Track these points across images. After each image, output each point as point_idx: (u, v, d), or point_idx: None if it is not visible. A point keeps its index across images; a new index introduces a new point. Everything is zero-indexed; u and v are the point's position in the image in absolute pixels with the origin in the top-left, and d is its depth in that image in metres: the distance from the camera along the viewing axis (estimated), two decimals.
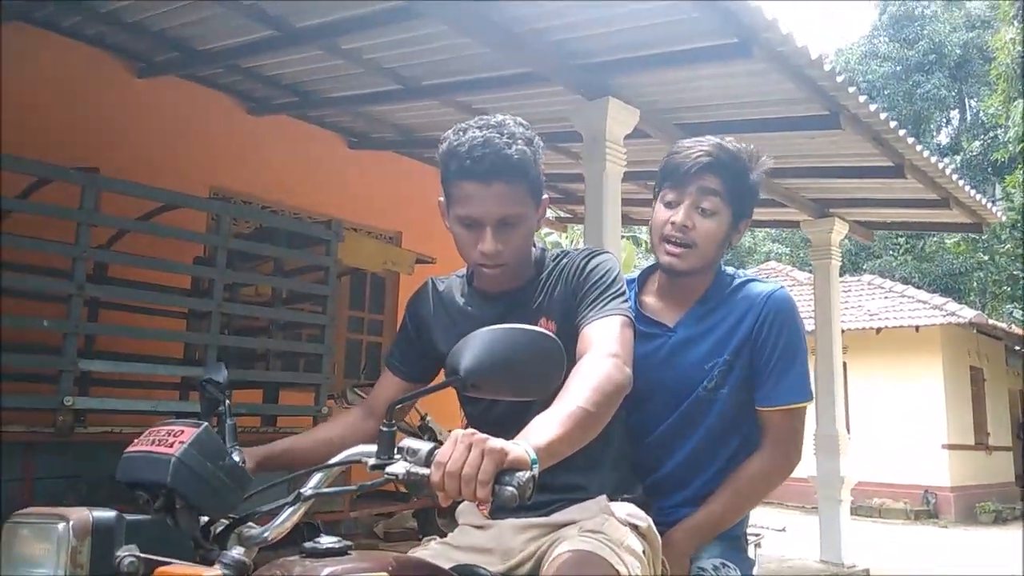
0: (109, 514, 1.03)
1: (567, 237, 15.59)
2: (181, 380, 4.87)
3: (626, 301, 1.55)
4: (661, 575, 1.57)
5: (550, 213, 10.46)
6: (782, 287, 1.84)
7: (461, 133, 1.48)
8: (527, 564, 1.48)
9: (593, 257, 1.59)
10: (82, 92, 5.34)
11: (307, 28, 4.65)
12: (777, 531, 9.16)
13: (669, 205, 1.79)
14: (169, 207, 4.61)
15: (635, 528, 1.52)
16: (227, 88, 6.02)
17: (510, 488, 1.07)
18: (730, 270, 1.89)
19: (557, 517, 1.51)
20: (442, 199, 1.56)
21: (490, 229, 1.49)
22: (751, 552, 1.91)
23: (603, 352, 1.39)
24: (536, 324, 1.40)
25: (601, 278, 1.54)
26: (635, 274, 2.00)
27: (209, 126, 6.02)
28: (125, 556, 1.02)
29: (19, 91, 4.72)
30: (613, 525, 1.45)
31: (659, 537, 1.59)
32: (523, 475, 1.08)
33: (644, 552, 1.49)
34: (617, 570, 1.33)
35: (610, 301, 1.51)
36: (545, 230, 11.32)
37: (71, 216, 3.82)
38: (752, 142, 1.90)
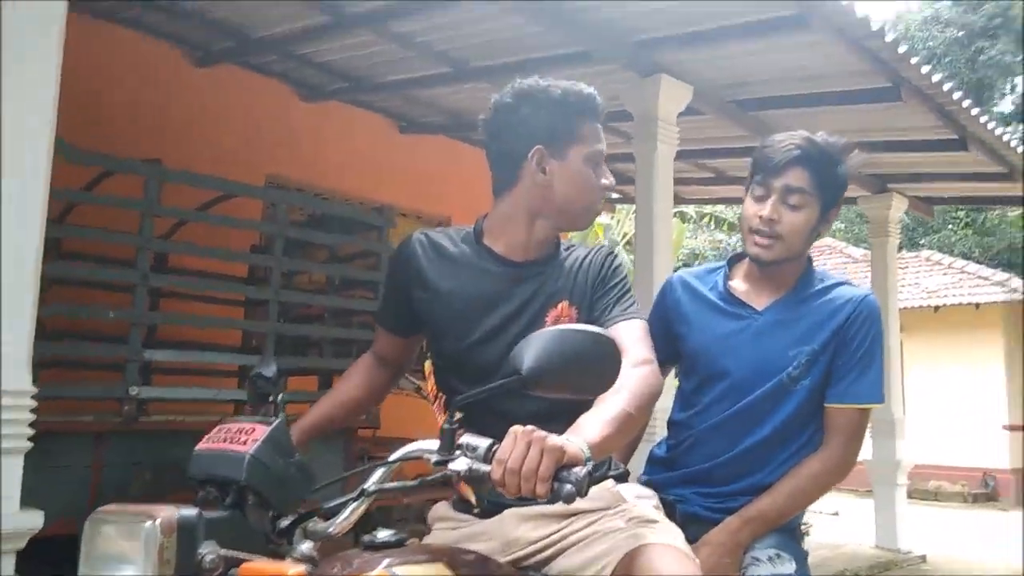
0: (192, 512, 1.06)
1: (615, 218, 15.36)
2: (239, 368, 4.97)
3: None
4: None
5: None
6: (873, 293, 1.90)
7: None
8: (541, 554, 1.44)
9: (616, 257, 1.66)
10: (141, 82, 5.43)
11: (359, 13, 4.67)
12: (830, 515, 9.04)
13: (758, 199, 1.83)
14: (227, 196, 4.70)
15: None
16: (281, 75, 6.08)
17: (568, 485, 1.10)
18: (821, 271, 1.93)
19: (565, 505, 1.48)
20: (540, 147, 1.55)
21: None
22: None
23: (639, 358, 1.44)
24: (558, 305, 1.53)
25: (623, 279, 1.61)
26: (716, 263, 2.03)
27: (264, 114, 6.09)
28: (207, 553, 1.05)
29: (80, 82, 4.83)
30: (649, 510, 1.48)
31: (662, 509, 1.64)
32: (580, 471, 1.11)
33: None
34: (691, 558, 1.34)
35: (632, 303, 1.59)
36: None
37: (135, 207, 3.91)
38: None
